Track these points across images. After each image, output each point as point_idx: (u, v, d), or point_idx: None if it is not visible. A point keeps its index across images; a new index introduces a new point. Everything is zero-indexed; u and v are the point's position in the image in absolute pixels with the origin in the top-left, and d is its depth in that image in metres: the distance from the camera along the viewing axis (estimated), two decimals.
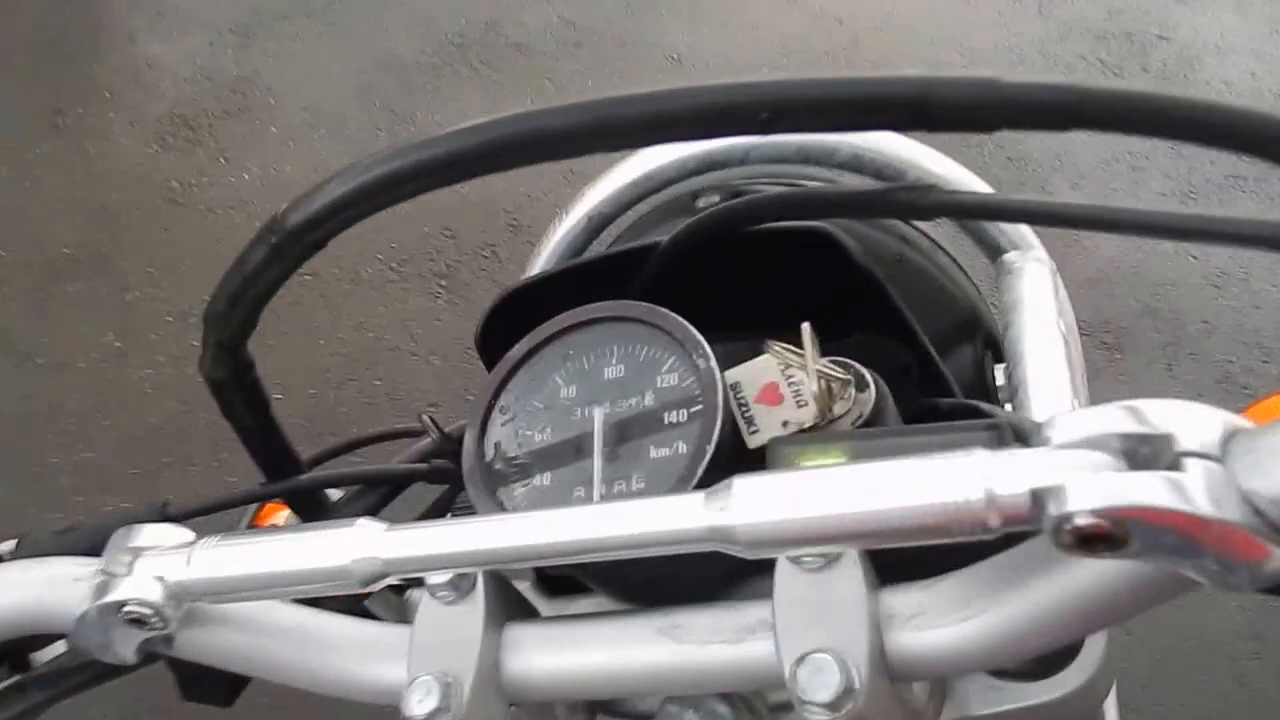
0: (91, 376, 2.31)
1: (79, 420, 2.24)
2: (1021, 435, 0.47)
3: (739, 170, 0.87)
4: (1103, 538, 0.35)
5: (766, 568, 0.45)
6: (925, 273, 0.75)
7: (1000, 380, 0.77)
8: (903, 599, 0.45)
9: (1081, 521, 0.35)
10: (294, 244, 0.48)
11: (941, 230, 0.81)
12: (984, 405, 0.59)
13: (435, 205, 2.54)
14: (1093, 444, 0.36)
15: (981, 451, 0.38)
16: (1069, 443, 0.37)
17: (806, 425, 0.52)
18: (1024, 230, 0.86)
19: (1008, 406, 0.74)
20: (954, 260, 0.80)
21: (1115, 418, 0.36)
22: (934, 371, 0.61)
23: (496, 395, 0.56)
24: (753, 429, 0.52)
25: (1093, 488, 0.35)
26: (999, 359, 0.79)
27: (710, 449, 0.50)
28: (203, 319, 0.52)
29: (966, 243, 0.89)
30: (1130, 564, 0.38)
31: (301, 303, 2.35)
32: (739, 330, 0.55)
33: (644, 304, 0.55)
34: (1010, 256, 0.84)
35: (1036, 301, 0.78)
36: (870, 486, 0.39)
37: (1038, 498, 0.36)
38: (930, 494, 0.38)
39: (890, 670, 0.44)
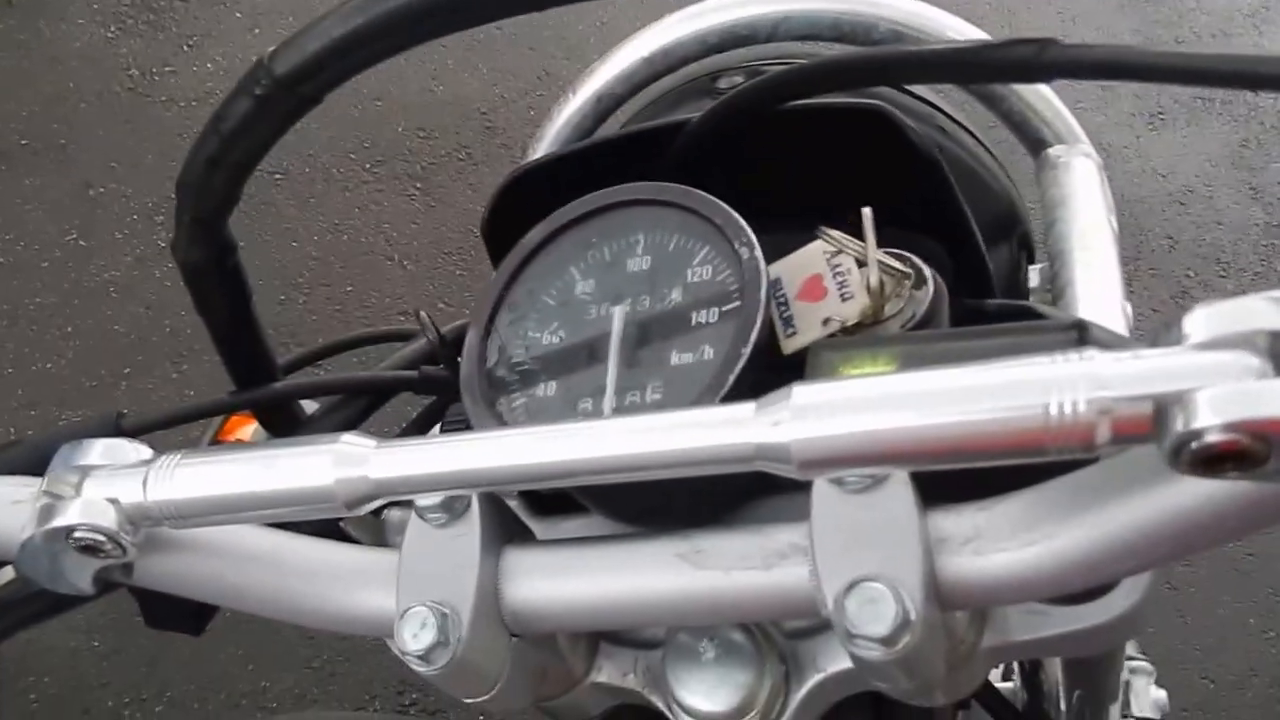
0: (54, 277, 2.23)
1: (39, 326, 2.16)
2: (1100, 341, 0.42)
3: (765, 48, 0.79)
4: (1234, 455, 0.30)
5: (794, 486, 0.40)
6: (964, 165, 0.68)
7: (1034, 282, 0.71)
8: (956, 522, 0.40)
9: (1213, 438, 0.30)
10: (284, 96, 0.41)
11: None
12: (1040, 307, 0.53)
13: (407, 103, 2.46)
14: (1232, 343, 0.31)
15: (1096, 351, 0.32)
16: (1204, 342, 0.31)
17: (850, 322, 0.46)
18: (1070, 123, 0.79)
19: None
20: (991, 154, 0.73)
21: (1264, 311, 0.30)
22: (977, 271, 0.54)
23: (507, 288, 0.50)
24: (790, 331, 0.46)
25: (1232, 397, 0.30)
26: (1031, 260, 0.73)
27: (745, 354, 0.44)
28: (175, 188, 0.45)
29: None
30: (1249, 483, 0.33)
31: (272, 202, 2.27)
32: (771, 221, 0.49)
33: (680, 186, 0.48)
34: (1055, 150, 0.77)
35: (1086, 197, 0.72)
36: (955, 394, 0.33)
37: (1161, 407, 0.31)
38: (1029, 403, 0.32)
39: (941, 599, 0.40)
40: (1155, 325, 0.33)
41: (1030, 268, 0.72)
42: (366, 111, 2.42)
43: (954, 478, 0.35)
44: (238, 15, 2.64)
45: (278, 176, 2.30)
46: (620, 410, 0.45)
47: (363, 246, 2.25)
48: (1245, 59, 0.39)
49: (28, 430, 2.06)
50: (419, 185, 2.35)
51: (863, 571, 0.39)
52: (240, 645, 1.78)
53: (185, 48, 2.58)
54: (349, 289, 2.19)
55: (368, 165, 2.37)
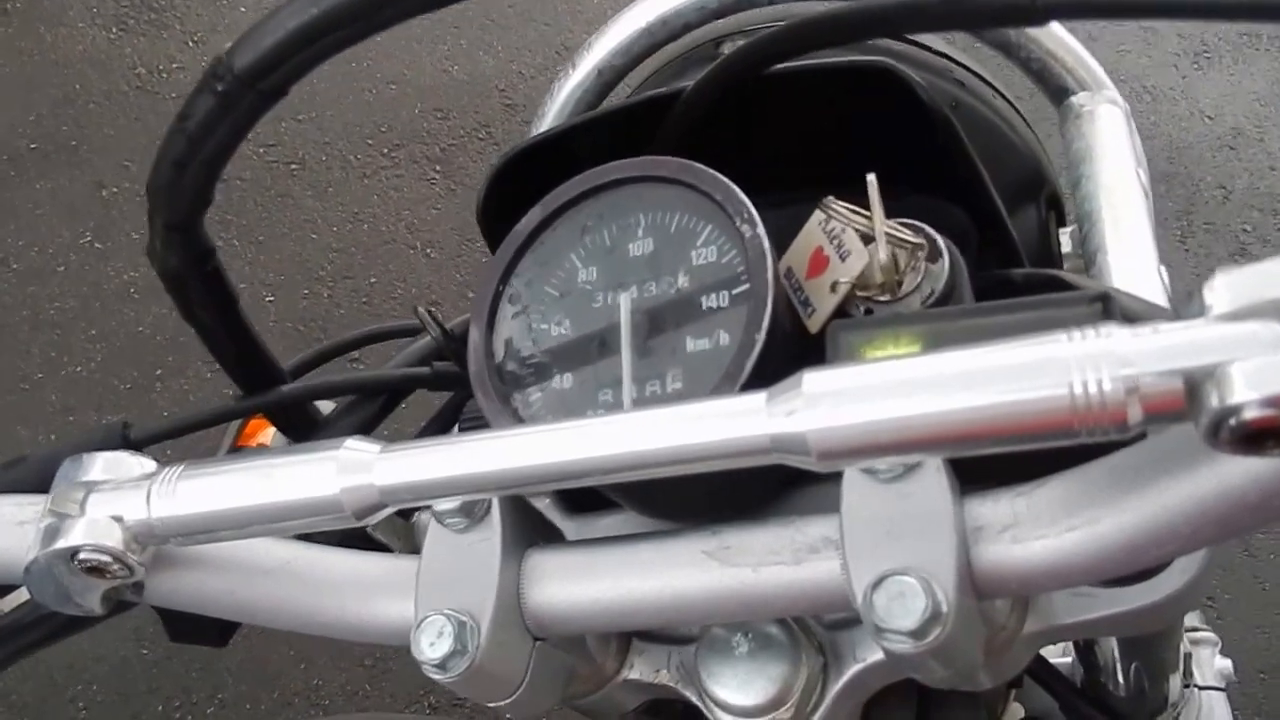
0: (73, 281, 2.22)
1: (63, 330, 2.16)
2: (1131, 312, 0.40)
3: (768, 11, 0.77)
4: (1276, 432, 0.28)
5: (828, 475, 0.38)
6: (984, 122, 0.66)
7: (1067, 246, 0.68)
8: (993, 508, 0.39)
9: (1252, 414, 0.28)
10: (245, 92, 0.41)
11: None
12: (1069, 275, 0.50)
13: (423, 85, 2.44)
14: (1259, 312, 0.29)
15: (1115, 327, 0.30)
16: (1228, 313, 0.29)
17: (855, 276, 0.44)
18: (1094, 68, 0.76)
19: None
20: (1014, 107, 0.70)
21: None
22: (1001, 238, 0.52)
23: (504, 280, 0.48)
24: (809, 310, 0.45)
25: (1267, 369, 0.28)
26: (1061, 222, 0.71)
27: (760, 339, 0.42)
28: (146, 193, 0.44)
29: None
30: None
31: (289, 194, 2.26)
32: (785, 191, 0.47)
33: (676, 159, 0.47)
34: (1079, 98, 0.74)
35: (1112, 149, 0.69)
36: (974, 377, 0.32)
37: (1193, 383, 0.29)
38: (1053, 384, 0.30)
39: (977, 588, 0.38)
40: (1177, 296, 0.31)
41: (1062, 231, 0.69)
42: (381, 95, 2.40)
43: (992, 459, 0.34)
44: (241, 9, 2.62)
45: (294, 167, 2.28)
46: (641, 400, 0.44)
47: (384, 235, 2.23)
48: None
49: (70, 432, 2.04)
50: (439, 168, 2.33)
51: (893, 564, 0.38)
52: (293, 644, 1.78)
53: (191, 43, 2.56)
54: (373, 280, 2.17)
55: (385, 150, 2.35)
